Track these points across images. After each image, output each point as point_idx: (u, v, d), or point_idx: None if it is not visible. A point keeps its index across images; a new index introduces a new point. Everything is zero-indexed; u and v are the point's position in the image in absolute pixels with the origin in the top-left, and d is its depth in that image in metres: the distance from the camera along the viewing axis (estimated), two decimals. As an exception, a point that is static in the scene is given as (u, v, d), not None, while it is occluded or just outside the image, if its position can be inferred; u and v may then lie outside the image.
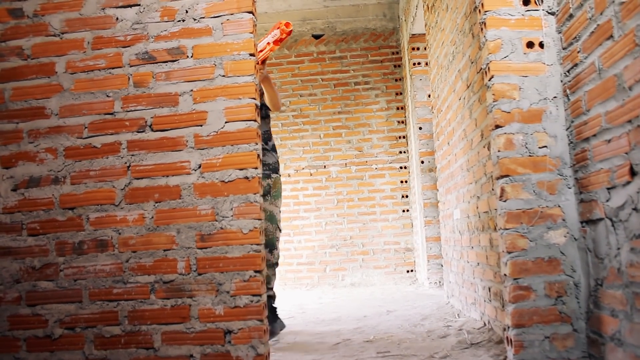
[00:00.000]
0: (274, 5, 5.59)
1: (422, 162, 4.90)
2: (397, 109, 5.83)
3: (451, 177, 3.47)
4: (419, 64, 4.95)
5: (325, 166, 5.70)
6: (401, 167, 5.78)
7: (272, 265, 3.12)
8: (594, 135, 1.81)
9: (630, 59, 1.56)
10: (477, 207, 2.81)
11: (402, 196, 5.75)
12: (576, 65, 1.91)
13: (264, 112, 3.18)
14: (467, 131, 2.93)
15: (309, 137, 5.78)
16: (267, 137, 3.15)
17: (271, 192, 3.09)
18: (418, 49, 4.93)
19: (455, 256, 3.48)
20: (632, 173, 1.59)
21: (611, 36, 1.66)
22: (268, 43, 2.98)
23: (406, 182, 5.80)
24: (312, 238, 5.67)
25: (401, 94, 5.88)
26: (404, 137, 5.84)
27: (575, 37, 1.90)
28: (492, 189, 2.49)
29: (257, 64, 2.15)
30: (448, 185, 3.60)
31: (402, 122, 5.90)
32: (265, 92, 3.10)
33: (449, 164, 3.53)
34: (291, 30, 2.94)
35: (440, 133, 3.79)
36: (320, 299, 4.65)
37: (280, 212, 3.20)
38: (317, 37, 5.86)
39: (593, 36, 1.77)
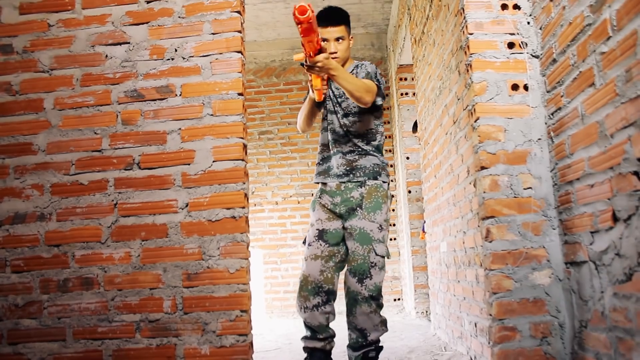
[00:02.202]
0: (263, 34, 5.65)
1: (410, 191, 4.93)
2: (385, 137, 5.86)
3: (438, 210, 3.49)
4: (406, 94, 5.01)
5: (312, 194, 5.70)
6: (389, 195, 5.79)
7: (366, 299, 2.32)
8: (578, 179, 1.84)
9: (612, 108, 1.60)
10: (464, 242, 2.83)
11: (390, 224, 5.75)
12: (560, 109, 1.95)
13: (358, 108, 2.46)
14: (454, 166, 2.95)
15: (297, 165, 5.80)
16: (369, 136, 2.48)
17: (364, 204, 2.38)
18: (405, 79, 4.99)
19: (442, 288, 3.48)
20: (615, 219, 1.62)
21: (593, 84, 1.70)
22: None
23: (393, 210, 5.82)
24: (299, 266, 5.63)
25: (389, 122, 5.93)
26: (391, 166, 5.88)
27: (559, 82, 1.94)
28: (478, 226, 2.51)
29: (309, 56, 2.10)
30: (435, 218, 3.61)
31: (390, 150, 5.94)
32: (340, 86, 2.31)
33: (435, 197, 3.55)
34: (304, 14, 1.91)
35: (427, 165, 3.82)
36: (307, 329, 4.60)
37: (382, 228, 2.39)
38: (306, 65, 5.90)
39: (576, 82, 1.81)
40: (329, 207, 2.47)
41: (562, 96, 1.93)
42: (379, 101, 2.42)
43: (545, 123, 2.07)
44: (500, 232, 2.03)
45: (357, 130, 2.49)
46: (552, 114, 2.02)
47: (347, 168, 2.46)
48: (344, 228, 2.45)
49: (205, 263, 2.02)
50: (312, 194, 5.83)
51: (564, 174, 1.95)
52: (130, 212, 2.07)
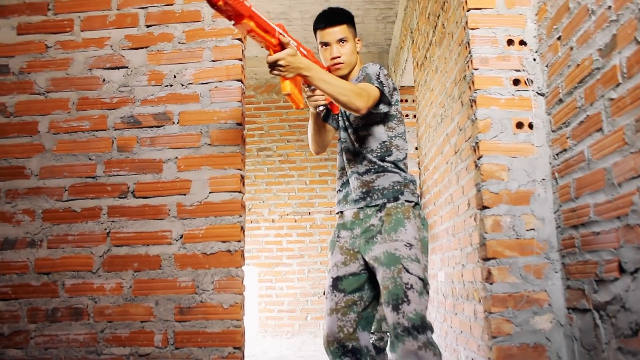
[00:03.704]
0: (264, 50, 5.59)
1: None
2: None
3: (436, 239, 3.45)
4: (407, 115, 4.97)
5: (310, 213, 5.65)
6: (386, 214, 5.72)
7: (408, 331, 1.81)
8: (582, 225, 1.79)
9: (620, 156, 1.56)
10: (462, 275, 2.78)
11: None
12: (565, 150, 1.91)
13: (371, 118, 2.06)
14: (454, 196, 2.91)
15: (294, 183, 5.74)
16: (383, 150, 2.05)
17: (383, 229, 1.94)
18: (406, 100, 4.96)
19: (439, 318, 3.43)
20: (621, 270, 1.57)
21: (601, 129, 1.67)
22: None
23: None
24: (295, 285, 5.58)
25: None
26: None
27: (565, 123, 1.90)
28: (478, 261, 2.46)
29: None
30: (433, 246, 3.57)
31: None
32: (318, 90, 1.90)
33: (434, 224, 3.51)
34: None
35: (426, 191, 3.78)
36: (300, 350, 4.55)
37: (411, 245, 1.90)
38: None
39: (583, 125, 1.78)
40: (347, 247, 2.01)
41: (568, 137, 1.89)
42: (383, 108, 1.99)
43: (550, 163, 2.03)
44: (501, 274, 1.98)
45: (369, 145, 2.07)
46: (557, 155, 1.98)
47: (364, 190, 2.03)
48: (366, 266, 1.99)
49: (199, 297, 1.96)
50: (309, 212, 5.81)
51: (568, 218, 1.90)
52: (123, 242, 2.02)
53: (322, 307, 5.51)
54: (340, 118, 2.14)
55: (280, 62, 1.66)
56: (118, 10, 2.18)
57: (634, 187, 1.49)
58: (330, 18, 2.07)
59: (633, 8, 1.49)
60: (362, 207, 2.01)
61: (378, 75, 2.01)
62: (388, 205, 1.97)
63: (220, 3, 1.48)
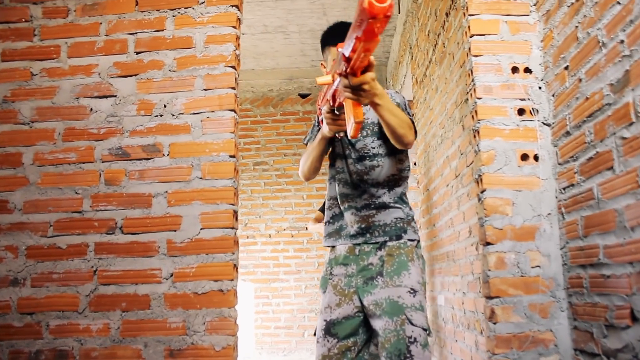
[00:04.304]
0: (261, 63, 5.53)
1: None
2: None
3: (436, 261, 3.36)
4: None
5: (307, 228, 5.56)
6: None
7: None
8: (591, 265, 1.71)
9: (633, 199, 1.48)
10: (463, 303, 2.70)
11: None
12: (572, 185, 1.83)
13: (378, 149, 1.94)
14: (454, 221, 2.83)
15: (291, 198, 5.66)
16: (391, 184, 1.94)
17: (384, 271, 1.83)
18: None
19: (439, 343, 3.34)
20: (633, 318, 1.49)
21: (612, 168, 1.58)
22: (358, 38, 1.26)
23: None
24: (292, 301, 5.50)
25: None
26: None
27: (573, 157, 1.82)
28: (479, 291, 2.38)
29: (347, 72, 1.41)
30: (433, 267, 3.48)
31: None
32: (381, 121, 1.75)
33: (434, 246, 3.43)
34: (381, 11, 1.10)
35: (425, 212, 3.70)
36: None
37: (415, 292, 1.81)
38: (303, 96, 5.79)
39: (592, 162, 1.69)
40: (341, 286, 1.88)
41: (575, 173, 1.80)
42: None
43: (556, 197, 1.95)
44: (505, 313, 1.90)
45: (376, 178, 1.92)
46: (563, 189, 1.90)
47: (362, 226, 1.89)
48: (363, 308, 1.86)
49: (190, 339, 1.88)
50: (306, 227, 5.71)
51: (575, 256, 1.82)
52: (111, 281, 1.93)
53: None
54: (337, 145, 2.01)
55: (365, 87, 1.47)
56: (107, 36, 2.09)
57: (649, 234, 1.41)
58: (342, 35, 1.92)
59: (647, 45, 1.41)
60: (359, 243, 1.90)
61: (406, 106, 1.94)
62: (389, 243, 1.87)
63: (381, 20, 1.13)
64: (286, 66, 5.61)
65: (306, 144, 2.16)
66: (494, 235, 1.93)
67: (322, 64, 2.08)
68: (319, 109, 1.99)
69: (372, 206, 1.91)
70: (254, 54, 5.25)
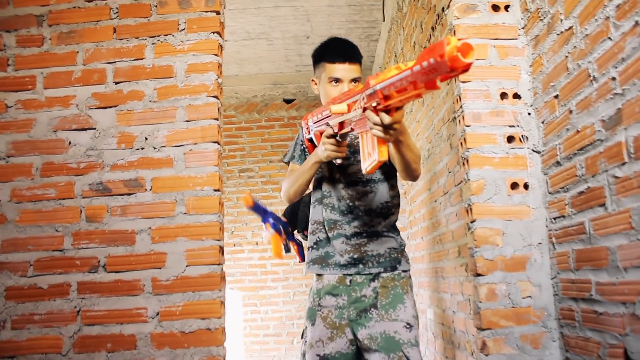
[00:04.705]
0: (245, 68, 5.44)
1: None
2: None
3: (425, 273, 3.35)
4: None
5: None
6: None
7: None
8: (583, 300, 1.70)
9: (626, 240, 1.46)
10: (453, 322, 2.69)
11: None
12: (564, 217, 1.81)
13: (372, 175, 1.92)
14: (443, 239, 2.81)
15: (278, 205, 5.58)
16: (384, 212, 1.91)
17: (379, 303, 1.81)
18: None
19: (429, 355, 3.34)
20: (627, 359, 1.48)
21: (604, 205, 1.56)
22: (414, 83, 1.19)
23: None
24: (280, 309, 5.46)
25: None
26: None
27: (564, 188, 1.80)
28: (470, 313, 2.37)
29: (381, 109, 1.34)
30: (421, 280, 3.47)
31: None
32: (397, 155, 1.72)
33: (422, 259, 3.41)
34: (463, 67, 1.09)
35: (413, 223, 3.68)
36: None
37: (411, 326, 1.81)
38: (288, 101, 5.72)
39: (583, 196, 1.67)
40: (332, 318, 1.84)
41: (566, 205, 1.78)
42: None
43: (547, 226, 1.93)
44: (497, 345, 1.88)
45: (369, 204, 1.87)
46: (554, 219, 1.88)
47: (355, 256, 1.83)
48: (355, 339, 1.82)
49: (177, 379, 1.83)
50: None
51: (566, 288, 1.80)
52: (95, 321, 1.88)
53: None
54: (323, 167, 1.92)
55: (396, 126, 1.40)
56: (84, 65, 2.02)
57: (641, 276, 1.40)
58: (349, 53, 1.88)
59: (640, 86, 1.38)
60: (351, 274, 1.84)
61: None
62: (384, 275, 1.84)
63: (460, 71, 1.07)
64: (270, 71, 5.53)
65: (287, 163, 2.08)
66: (484, 266, 1.90)
67: (313, 80, 2.00)
68: (307, 127, 1.93)
69: (364, 234, 1.86)
70: (237, 60, 5.16)
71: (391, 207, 1.92)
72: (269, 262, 5.54)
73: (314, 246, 1.94)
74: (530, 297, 1.90)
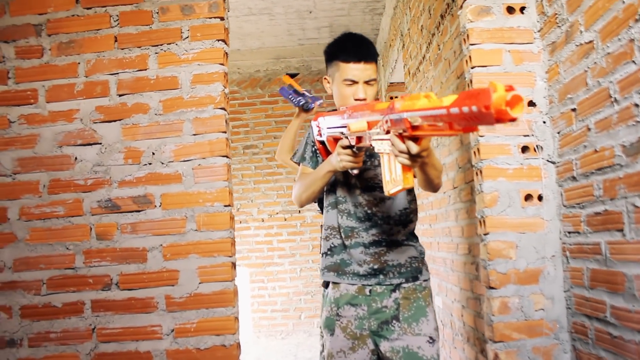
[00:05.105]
0: (247, 43, 5.31)
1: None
2: None
3: (433, 261, 3.36)
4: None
5: (300, 211, 5.51)
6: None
7: None
8: (597, 319, 1.70)
9: (644, 270, 1.44)
10: (462, 316, 2.71)
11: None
12: (578, 233, 1.79)
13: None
14: (452, 232, 2.80)
15: (283, 181, 5.58)
16: (402, 218, 1.85)
17: (401, 315, 1.77)
18: (396, 97, 4.74)
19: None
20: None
21: (622, 231, 1.54)
22: (451, 125, 1.06)
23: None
24: (287, 285, 5.52)
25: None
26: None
27: (580, 204, 1.77)
28: (479, 312, 2.38)
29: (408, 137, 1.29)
30: (430, 266, 3.48)
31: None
32: (418, 174, 1.72)
33: (430, 246, 3.41)
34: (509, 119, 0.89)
35: (421, 208, 3.66)
36: (296, 356, 4.52)
37: (434, 340, 1.79)
38: (292, 76, 5.59)
39: (600, 217, 1.65)
40: (352, 329, 1.79)
41: (582, 221, 1.76)
42: None
43: (560, 239, 1.91)
44: (509, 357, 1.89)
45: (387, 211, 1.81)
46: (568, 233, 1.86)
47: (374, 266, 1.78)
48: (377, 350, 1.79)
49: (194, 395, 1.86)
50: (299, 210, 5.66)
51: (580, 304, 1.80)
52: (111, 338, 1.89)
53: (315, 306, 5.48)
54: (342, 173, 1.82)
55: (424, 154, 1.34)
56: (86, 77, 1.96)
57: (659, 310, 1.39)
58: (365, 52, 1.77)
59: (665, 119, 1.34)
60: (371, 285, 1.78)
61: None
62: (405, 285, 1.79)
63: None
64: (272, 45, 5.40)
65: (298, 163, 2.00)
66: (497, 280, 1.90)
67: (325, 78, 1.89)
68: (319, 129, 1.85)
69: (383, 243, 1.79)
70: (239, 35, 5.03)
71: (409, 214, 1.86)
72: (275, 239, 5.57)
73: (328, 252, 1.87)
74: (542, 309, 1.90)
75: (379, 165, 1.78)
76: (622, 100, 1.51)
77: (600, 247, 1.66)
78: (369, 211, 1.81)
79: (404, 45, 3.86)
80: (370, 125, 1.49)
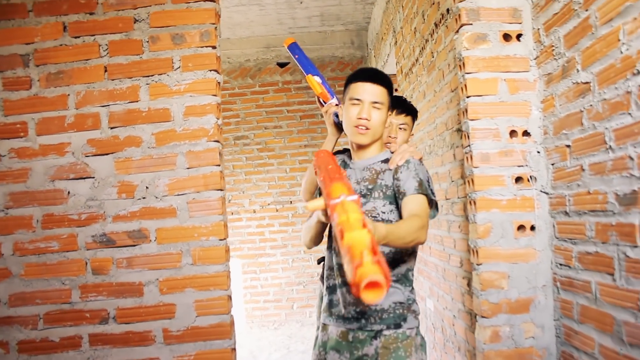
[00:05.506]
0: (237, 32, 5.20)
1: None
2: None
3: (425, 263, 3.40)
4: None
5: (291, 202, 5.52)
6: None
7: None
8: (586, 353, 1.74)
9: (632, 318, 1.48)
10: (454, 325, 2.77)
11: None
12: (569, 267, 1.82)
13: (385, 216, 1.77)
14: (444, 242, 2.84)
15: (274, 172, 5.56)
16: (395, 258, 1.77)
17: None
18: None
19: (428, 339, 3.46)
20: (627, 423, 1.54)
21: (612, 275, 1.57)
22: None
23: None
24: (279, 275, 5.57)
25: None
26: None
27: (572, 240, 1.79)
28: (471, 325, 2.44)
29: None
30: (420, 268, 3.53)
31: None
32: None
33: (421, 248, 3.45)
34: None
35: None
36: (289, 349, 4.60)
37: None
38: (282, 65, 5.52)
39: (591, 257, 1.67)
40: None
41: (573, 257, 1.79)
42: (432, 216, 1.75)
43: (551, 269, 1.94)
44: (500, 384, 1.95)
45: (381, 246, 1.68)
46: (559, 264, 1.89)
47: (358, 310, 1.72)
48: None
49: None
50: (291, 201, 5.67)
51: (569, 335, 1.85)
52: (109, 371, 1.92)
53: (307, 296, 5.55)
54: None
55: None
56: (77, 109, 1.93)
57: (647, 359, 1.43)
58: (374, 75, 1.77)
59: (659, 179, 1.35)
60: (353, 329, 1.73)
61: (428, 181, 1.75)
62: (386, 333, 1.69)
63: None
64: (262, 34, 5.30)
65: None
66: (489, 310, 1.94)
67: (340, 107, 1.85)
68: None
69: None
70: (229, 25, 4.93)
71: (404, 254, 1.76)
72: (267, 230, 5.59)
73: (326, 292, 1.85)
74: (533, 337, 1.94)
75: (378, 197, 1.74)
76: (617, 149, 1.51)
77: (590, 285, 1.69)
78: None
79: (396, 42, 3.82)
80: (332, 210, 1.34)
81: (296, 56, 2.17)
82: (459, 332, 2.68)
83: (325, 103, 2.05)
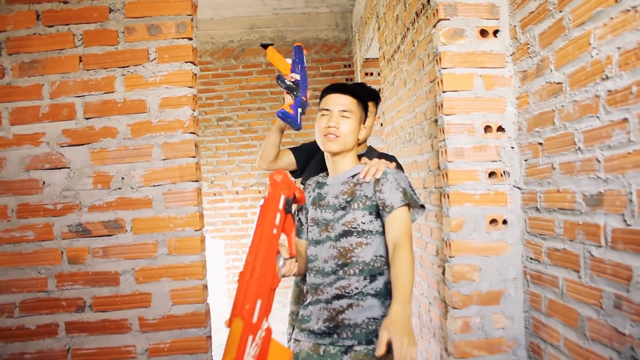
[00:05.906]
0: (220, 12, 5.12)
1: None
2: None
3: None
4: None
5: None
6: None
7: None
8: (552, 345, 1.80)
9: (595, 315, 1.53)
10: (429, 312, 2.82)
11: None
12: (539, 261, 1.86)
13: (367, 226, 1.69)
14: (422, 229, 2.87)
15: (257, 153, 5.52)
16: (374, 268, 1.67)
17: None
18: (371, 74, 4.69)
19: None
20: (587, 414, 1.60)
21: (577, 272, 1.61)
22: None
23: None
24: (261, 256, 5.56)
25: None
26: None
27: (542, 236, 1.83)
28: (445, 313, 2.49)
29: None
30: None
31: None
32: None
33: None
34: None
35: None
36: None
37: None
38: (265, 46, 5.45)
39: (560, 254, 1.71)
40: None
41: (542, 252, 1.83)
42: (418, 216, 1.75)
43: (522, 262, 1.98)
44: (469, 373, 2.00)
45: (362, 256, 1.66)
46: (530, 259, 1.93)
47: (330, 325, 1.65)
48: None
49: (169, 411, 1.94)
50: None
51: (537, 327, 1.90)
52: (86, 358, 1.94)
53: (290, 277, 5.56)
54: (313, 229, 1.74)
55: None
56: (51, 99, 1.91)
57: (607, 355, 1.48)
58: (342, 87, 1.76)
59: (624, 183, 1.38)
60: (325, 344, 1.66)
61: (411, 186, 1.72)
62: (357, 348, 1.61)
63: None
64: (246, 15, 5.22)
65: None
66: (460, 301, 1.98)
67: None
68: None
69: (346, 297, 1.65)
70: (213, 4, 4.85)
71: (382, 265, 1.68)
72: (249, 211, 5.59)
73: (298, 301, 1.87)
74: (502, 328, 2.00)
75: (357, 208, 1.68)
76: (585, 150, 1.54)
77: (558, 281, 1.73)
78: (340, 261, 1.68)
79: (379, 27, 3.80)
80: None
81: (296, 58, 2.15)
82: (434, 319, 2.74)
83: (286, 82, 2.09)
